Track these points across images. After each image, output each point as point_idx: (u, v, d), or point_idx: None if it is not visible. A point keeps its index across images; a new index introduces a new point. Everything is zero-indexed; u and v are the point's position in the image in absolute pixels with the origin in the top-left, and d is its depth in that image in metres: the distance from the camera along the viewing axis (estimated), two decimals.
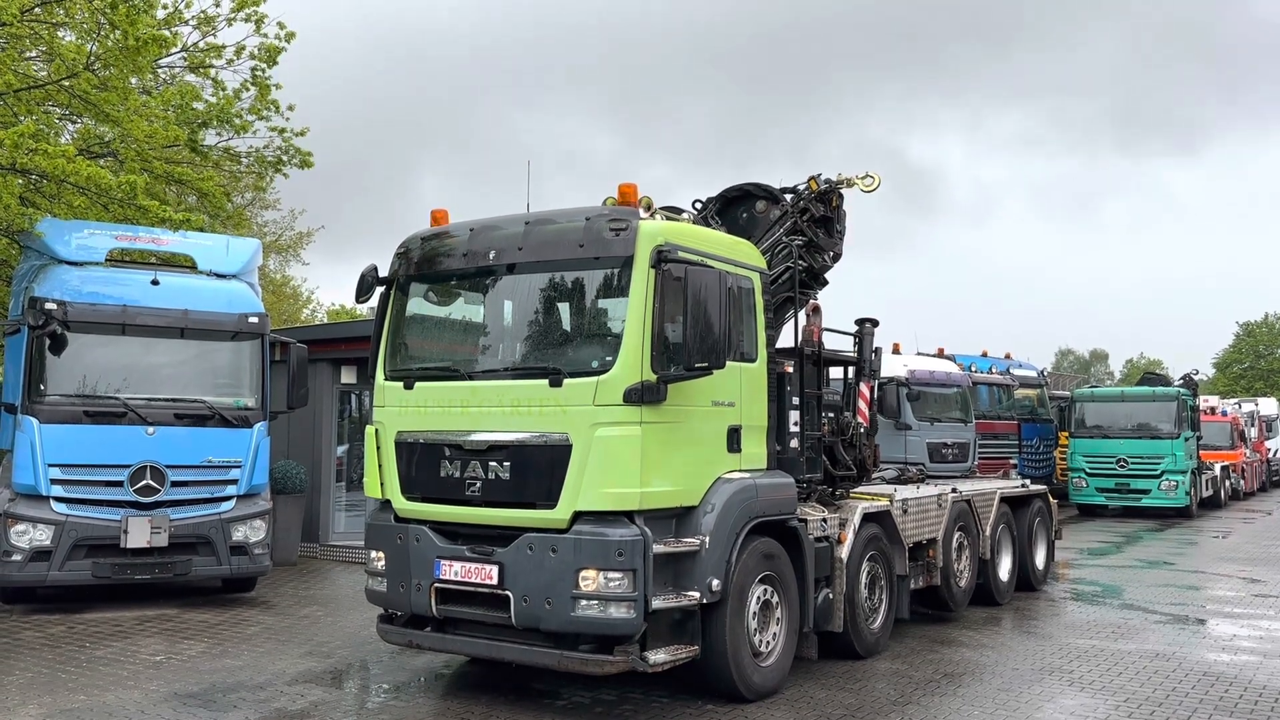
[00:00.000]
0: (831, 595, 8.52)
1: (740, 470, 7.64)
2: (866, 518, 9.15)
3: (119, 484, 10.73)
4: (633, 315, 6.83)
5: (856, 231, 9.65)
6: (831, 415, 9.38)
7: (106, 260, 11.76)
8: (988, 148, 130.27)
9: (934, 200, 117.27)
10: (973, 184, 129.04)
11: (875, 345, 9.82)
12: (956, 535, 10.93)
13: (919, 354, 21.71)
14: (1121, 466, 24.41)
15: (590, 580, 6.67)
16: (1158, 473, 24.04)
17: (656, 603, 6.74)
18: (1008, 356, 25.84)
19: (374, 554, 7.69)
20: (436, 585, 7.24)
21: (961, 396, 20.53)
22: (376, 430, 7.74)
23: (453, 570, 7.16)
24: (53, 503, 10.52)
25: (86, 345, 10.98)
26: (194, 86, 16.36)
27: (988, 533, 11.61)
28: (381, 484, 7.69)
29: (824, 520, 8.54)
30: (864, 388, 9.75)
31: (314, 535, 15.43)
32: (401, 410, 7.61)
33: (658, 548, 6.79)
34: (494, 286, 7.63)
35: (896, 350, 21.04)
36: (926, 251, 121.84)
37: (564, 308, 7.28)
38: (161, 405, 11.08)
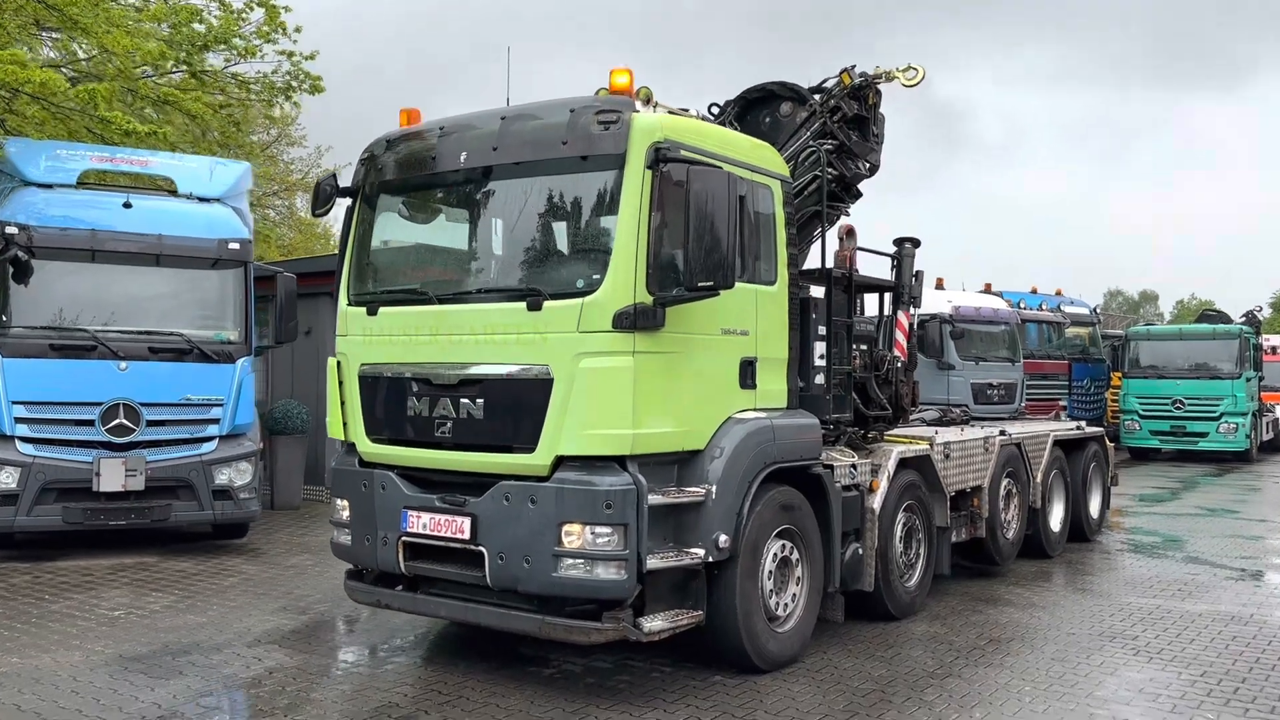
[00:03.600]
0: (861, 550, 7.51)
1: (755, 409, 6.60)
2: (903, 463, 8.10)
3: (90, 423, 9.94)
4: (624, 225, 5.76)
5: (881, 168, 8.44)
6: (864, 348, 8.27)
7: (78, 183, 10.86)
8: (1016, 82, 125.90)
9: (960, 136, 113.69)
10: (1001, 119, 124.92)
11: (916, 269, 8.67)
12: (1004, 482, 9.85)
13: (964, 290, 20.52)
14: (1178, 408, 23.10)
15: (574, 536, 5.71)
16: (1216, 414, 22.71)
17: (652, 562, 5.77)
18: (1058, 293, 24.53)
19: (339, 503, 6.79)
20: (404, 539, 6.32)
21: (1009, 334, 19.32)
22: (338, 363, 6.79)
23: (421, 522, 6.23)
24: (18, 443, 9.75)
25: (53, 273, 10.12)
26: (193, 5, 15.40)
27: (1039, 479, 10.51)
28: (344, 424, 6.76)
29: (853, 467, 7.50)
30: (902, 317, 8.64)
31: (318, 478, 14.66)
32: (365, 340, 6.64)
33: (654, 498, 5.80)
34: (466, 195, 6.58)
35: (940, 286, 19.85)
36: (953, 189, 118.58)
37: (545, 218, 6.22)
38: (135, 338, 10.23)
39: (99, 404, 9.94)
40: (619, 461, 5.77)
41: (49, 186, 10.60)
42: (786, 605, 6.70)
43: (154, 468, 10.12)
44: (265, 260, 16.62)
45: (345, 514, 6.71)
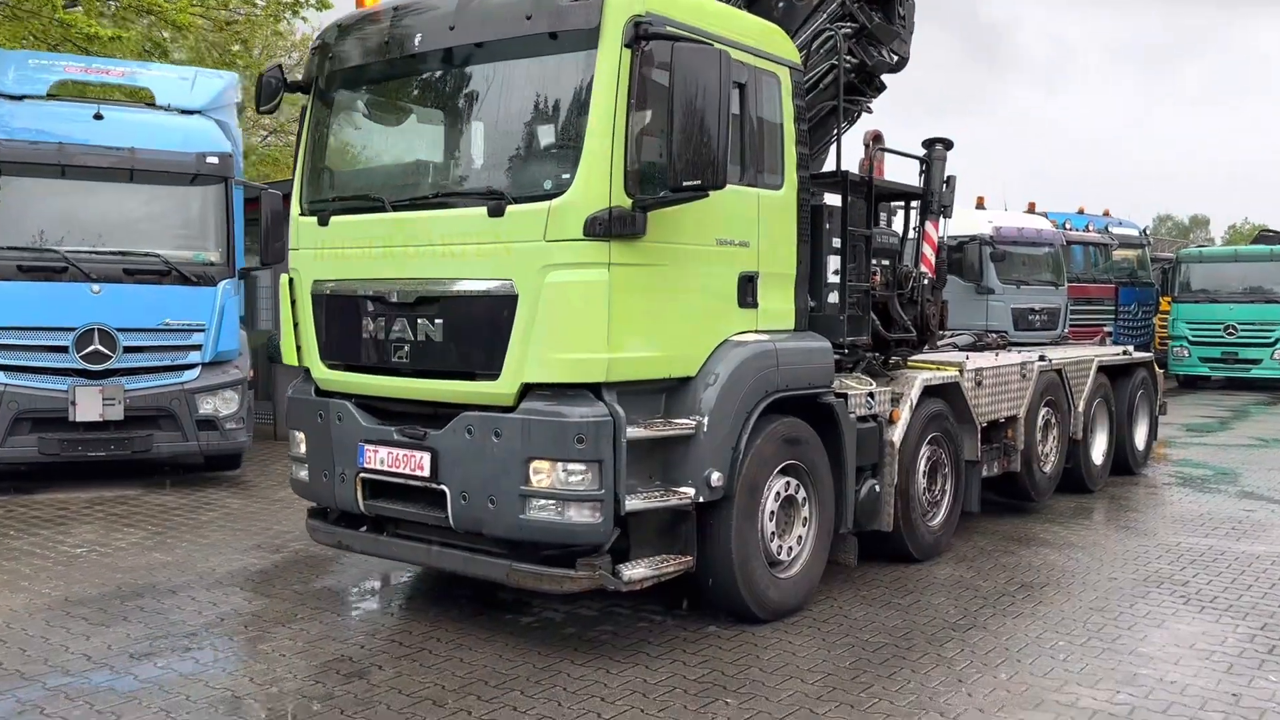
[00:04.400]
0: (879, 488, 6.78)
1: (757, 331, 5.84)
2: (928, 392, 7.32)
3: (63, 349, 9.38)
4: (598, 115, 4.95)
5: (920, 88, 7.53)
6: (886, 263, 7.42)
7: (49, 94, 10.19)
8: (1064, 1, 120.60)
9: (1006, 57, 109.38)
10: (1048, 39, 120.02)
11: (948, 174, 7.76)
12: (1043, 412, 9.03)
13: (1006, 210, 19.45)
14: (1230, 334, 21.94)
15: (543, 474, 5.02)
16: (1271, 340, 21.54)
17: (633, 502, 5.08)
18: (1106, 214, 23.32)
19: (296, 436, 6.15)
20: (362, 475, 5.68)
21: (1053, 257, 18.27)
22: (290, 280, 6.10)
23: (378, 458, 5.58)
24: None
25: (20, 189, 9.49)
26: None
27: (1081, 408, 9.68)
28: (299, 348, 6.08)
29: (871, 395, 6.73)
30: (930, 228, 7.77)
31: None
32: (317, 254, 5.93)
33: (634, 432, 5.09)
34: (422, 84, 5.79)
35: (980, 205, 18.80)
36: (998, 110, 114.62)
37: (510, 109, 5.40)
38: (109, 259, 9.60)
39: (72, 329, 9.37)
40: (593, 390, 5.05)
41: (17, 98, 9.96)
42: (790, 549, 6.01)
43: (133, 396, 9.58)
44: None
45: (302, 448, 6.07)
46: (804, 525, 6.10)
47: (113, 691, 4.75)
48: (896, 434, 6.91)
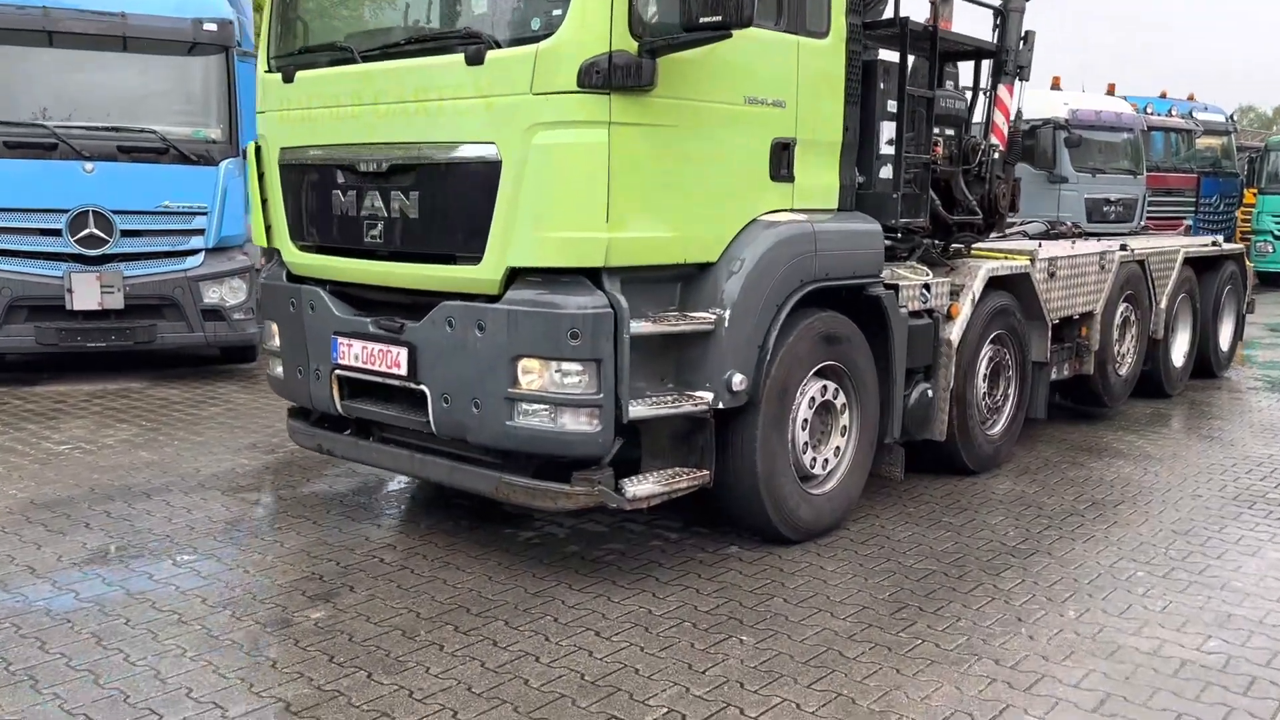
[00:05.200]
0: (932, 392, 5.97)
1: (792, 210, 4.98)
2: (993, 284, 6.42)
3: (57, 233, 8.79)
4: None
5: None
6: (950, 133, 6.43)
7: None
8: None
9: None
10: None
11: (1025, 29, 6.67)
12: (1121, 308, 8.07)
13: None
14: None
15: (534, 375, 4.29)
16: None
17: (638, 409, 4.34)
18: (1190, 98, 21.59)
19: (270, 327, 5.48)
20: (337, 373, 5.01)
21: (1132, 144, 16.87)
22: (257, 148, 5.34)
23: (352, 353, 4.89)
24: None
25: (4, 59, 8.78)
26: None
27: (1163, 305, 8.69)
28: (268, 228, 5.36)
29: (927, 287, 5.86)
30: (1004, 92, 6.73)
31: None
32: (284, 116, 5.14)
33: (640, 326, 4.32)
34: None
35: (1056, 86, 17.36)
36: None
37: None
38: (102, 135, 8.91)
39: (64, 211, 8.75)
40: (591, 276, 4.27)
41: None
42: (826, 461, 5.25)
43: (133, 284, 8.99)
44: None
45: (276, 341, 5.41)
46: (842, 435, 5.33)
47: (46, 612, 4.21)
48: (955, 331, 6.05)
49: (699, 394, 4.57)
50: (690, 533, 5.30)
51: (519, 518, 5.48)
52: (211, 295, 9.34)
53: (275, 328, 5.38)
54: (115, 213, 8.88)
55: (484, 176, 4.27)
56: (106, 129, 8.95)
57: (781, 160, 4.88)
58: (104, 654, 3.84)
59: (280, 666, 3.76)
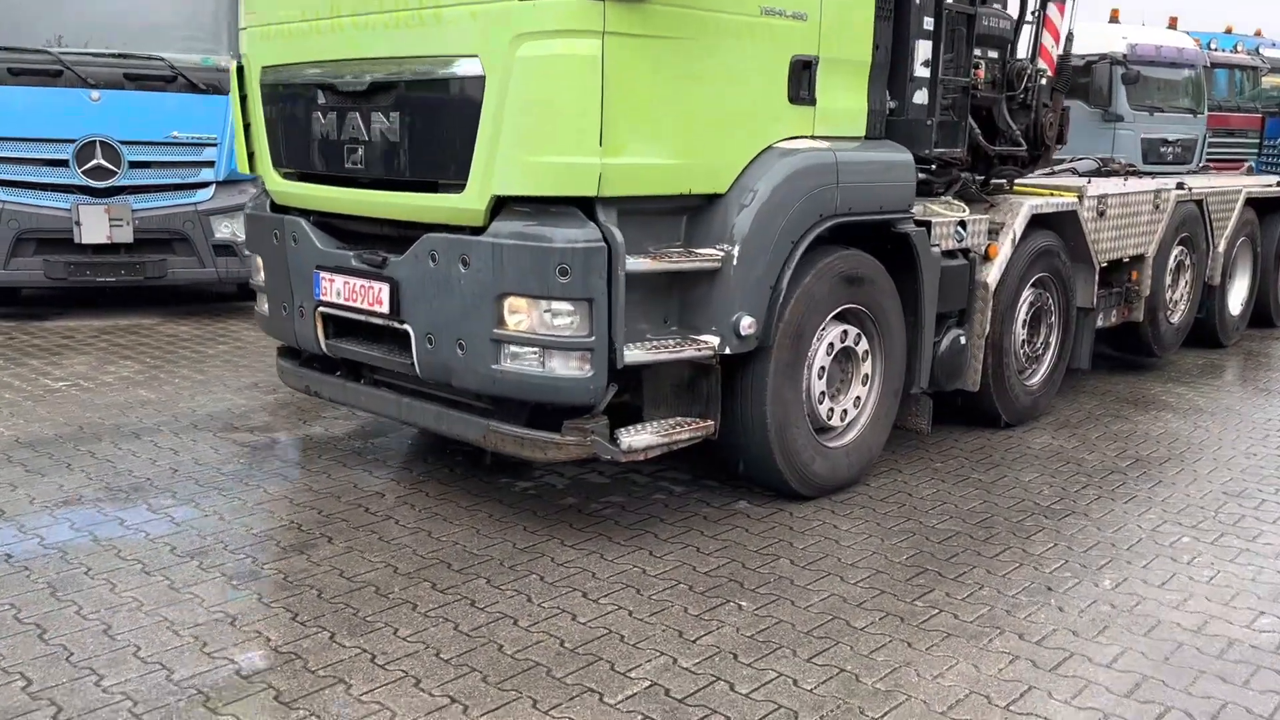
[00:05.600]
0: (965, 339, 5.54)
1: (812, 137, 4.54)
2: (1036, 222, 5.94)
3: (63, 163, 8.54)
4: None
5: None
6: (993, 55, 5.90)
7: None
8: None
9: None
10: None
11: None
12: (1176, 251, 7.53)
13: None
14: None
15: (520, 315, 3.94)
16: None
17: (634, 353, 3.98)
18: (1258, 34, 20.55)
19: (256, 260, 5.18)
20: (321, 310, 4.70)
21: (1194, 81, 16.04)
22: (239, 67, 4.99)
23: (334, 288, 4.57)
24: None
25: None
26: None
27: (1221, 248, 8.12)
28: (251, 154, 5.03)
29: (962, 225, 5.41)
30: (1054, 11, 6.17)
31: None
32: (264, 32, 4.78)
33: (638, 263, 3.94)
34: None
35: (1114, 19, 16.51)
36: None
37: None
38: (108, 62, 8.61)
39: (71, 141, 8.50)
40: (584, 207, 3.89)
41: None
42: (845, 412, 4.87)
43: (142, 218, 8.74)
44: None
45: (261, 275, 5.10)
46: (864, 384, 4.94)
47: (6, 558, 3.99)
48: (992, 274, 5.60)
49: (703, 338, 4.20)
50: (698, 485, 4.97)
51: (517, 467, 5.17)
52: (223, 230, 9.07)
53: (260, 261, 5.08)
54: (123, 143, 8.61)
55: (467, 94, 3.88)
56: (113, 56, 8.64)
57: (801, 81, 4.44)
58: (56, 606, 3.60)
59: (239, 624, 3.50)
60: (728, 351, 4.21)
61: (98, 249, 8.72)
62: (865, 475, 5.07)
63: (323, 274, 4.59)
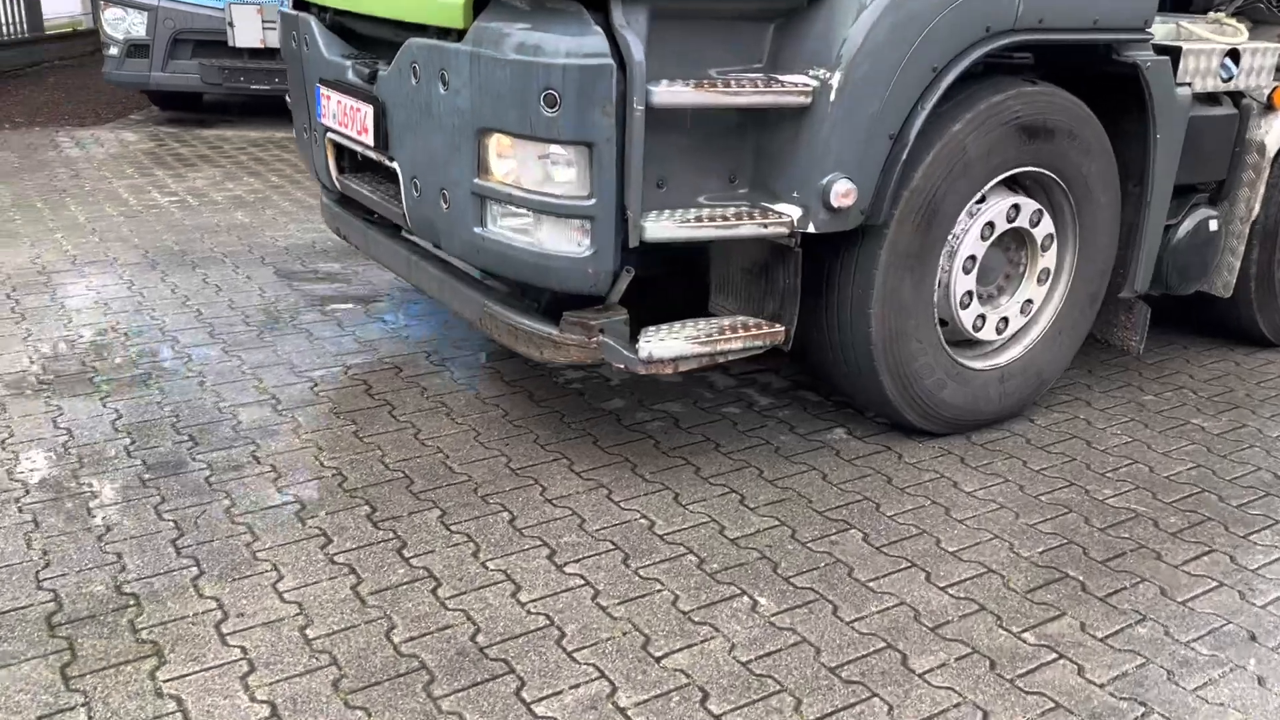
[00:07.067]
0: (1218, 224, 3.87)
1: None
2: None
3: None
4: None
5: None
6: None
7: None
8: None
9: None
10: None
11: None
12: None
13: None
14: None
15: (508, 160, 2.83)
16: None
17: (659, 226, 2.78)
18: None
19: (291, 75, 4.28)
20: (329, 135, 3.76)
21: None
22: None
23: (330, 109, 3.61)
24: None
25: None
26: None
27: None
28: None
29: (1233, 56, 3.65)
30: None
31: None
32: None
33: (666, 91, 2.67)
34: None
35: None
36: None
37: None
38: None
39: None
40: (598, 5, 2.65)
41: None
42: (1004, 322, 3.46)
43: None
44: None
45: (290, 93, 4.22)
46: (1040, 282, 3.48)
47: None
48: (1274, 132, 3.83)
49: (777, 207, 2.92)
50: (789, 398, 3.77)
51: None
52: None
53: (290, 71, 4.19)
54: None
55: None
56: None
57: None
58: None
59: (108, 540, 2.78)
60: (811, 229, 2.92)
61: (253, 53, 8.27)
62: (1028, 407, 3.67)
63: (323, 89, 3.64)
